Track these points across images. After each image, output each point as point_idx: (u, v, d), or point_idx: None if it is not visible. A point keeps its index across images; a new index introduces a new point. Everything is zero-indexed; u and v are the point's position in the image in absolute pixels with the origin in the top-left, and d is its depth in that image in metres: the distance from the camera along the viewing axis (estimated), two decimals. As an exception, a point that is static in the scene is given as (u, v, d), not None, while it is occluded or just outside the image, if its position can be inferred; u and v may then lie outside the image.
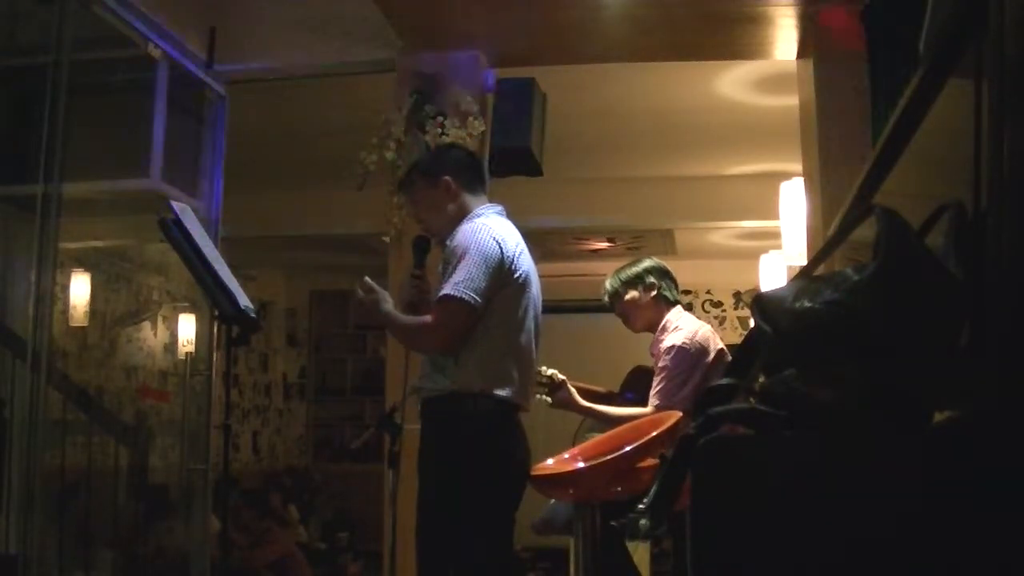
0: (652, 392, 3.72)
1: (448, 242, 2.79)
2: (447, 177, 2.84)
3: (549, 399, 3.77)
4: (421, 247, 2.94)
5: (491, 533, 2.68)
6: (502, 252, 2.69)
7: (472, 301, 2.62)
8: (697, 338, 3.77)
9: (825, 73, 4.07)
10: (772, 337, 1.31)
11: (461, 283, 2.62)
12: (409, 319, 2.79)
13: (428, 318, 2.71)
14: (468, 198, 2.86)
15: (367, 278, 2.80)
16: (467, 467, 2.62)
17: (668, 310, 3.93)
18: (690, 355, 3.72)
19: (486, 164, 4.12)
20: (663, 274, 3.97)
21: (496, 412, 2.67)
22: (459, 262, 2.65)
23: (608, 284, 4.00)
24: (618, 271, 4.00)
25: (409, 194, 3.00)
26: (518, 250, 2.76)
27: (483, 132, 4.33)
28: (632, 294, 3.94)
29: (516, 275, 2.73)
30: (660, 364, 3.76)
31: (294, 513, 8.02)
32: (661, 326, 3.88)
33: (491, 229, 2.72)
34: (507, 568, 2.80)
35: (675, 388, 3.67)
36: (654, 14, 4.19)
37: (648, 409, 3.69)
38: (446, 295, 2.65)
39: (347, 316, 10.11)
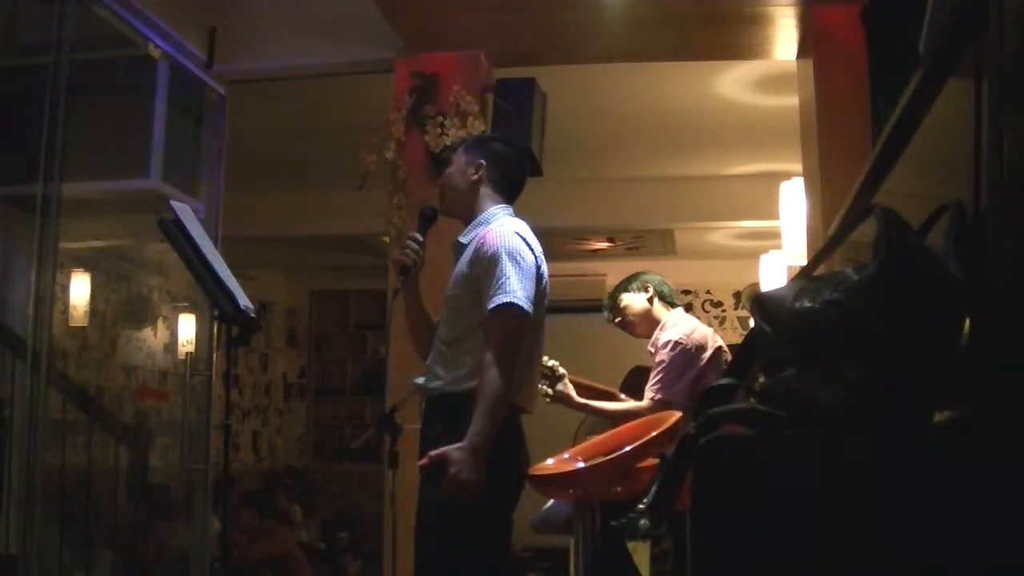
0: (648, 386, 3.74)
1: (461, 239, 2.76)
2: (482, 161, 2.84)
3: (550, 391, 3.77)
4: (427, 216, 2.89)
5: (490, 534, 2.67)
6: (535, 258, 2.67)
7: (529, 309, 2.57)
8: (694, 335, 3.80)
9: (825, 73, 4.07)
10: (772, 337, 1.31)
11: (517, 291, 2.55)
12: (484, 391, 2.53)
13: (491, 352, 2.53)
14: (488, 193, 2.81)
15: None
16: None
17: (666, 311, 3.95)
18: (686, 350, 3.74)
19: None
20: (660, 281, 4.01)
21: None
22: (498, 268, 2.58)
23: (604, 299, 4.06)
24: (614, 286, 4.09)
25: (447, 164, 2.96)
26: (542, 256, 2.75)
27: (483, 132, 4.33)
28: (626, 297, 3.96)
29: (542, 284, 2.72)
30: (657, 359, 3.78)
31: (298, 514, 8.03)
32: (660, 326, 3.89)
33: (522, 235, 2.69)
34: (507, 569, 2.79)
35: (671, 382, 3.69)
36: (654, 14, 4.19)
37: (644, 403, 3.70)
38: (507, 303, 2.55)
39: (347, 316, 10.11)
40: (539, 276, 2.67)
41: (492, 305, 2.56)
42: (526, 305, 2.56)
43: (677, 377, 3.69)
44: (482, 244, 2.66)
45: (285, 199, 7.08)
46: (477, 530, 2.60)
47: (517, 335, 2.57)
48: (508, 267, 2.57)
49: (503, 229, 2.67)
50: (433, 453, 2.56)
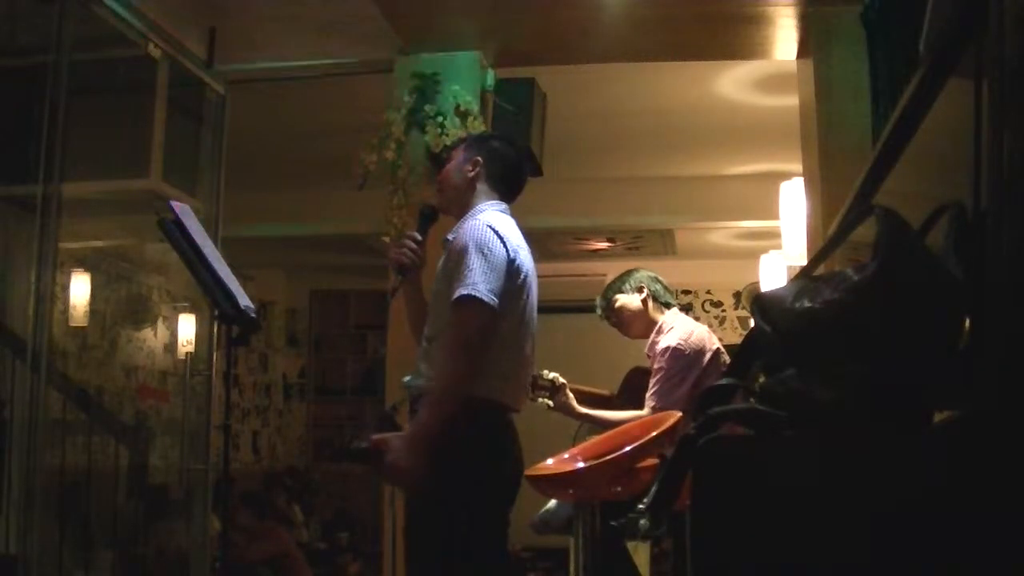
0: (648, 394, 3.73)
1: (448, 236, 2.75)
2: (479, 157, 2.81)
3: (551, 403, 3.76)
4: (427, 215, 2.87)
5: (485, 534, 2.65)
6: (507, 251, 2.64)
7: (491, 302, 2.51)
8: (692, 339, 3.77)
9: (825, 73, 4.07)
10: (772, 337, 1.31)
11: (479, 283, 2.51)
12: (442, 372, 2.53)
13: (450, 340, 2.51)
14: (484, 190, 2.78)
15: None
16: (457, 466, 2.57)
17: (662, 312, 3.93)
18: (685, 355, 3.72)
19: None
20: (653, 279, 3.99)
21: (485, 412, 2.61)
22: (464, 260, 2.55)
23: (598, 299, 4.05)
24: (607, 284, 4.07)
25: (447, 161, 2.94)
26: (521, 249, 2.71)
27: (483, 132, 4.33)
28: (621, 298, 3.96)
29: (520, 277, 2.69)
30: (656, 366, 3.76)
31: (299, 515, 8.03)
32: (656, 328, 3.88)
33: (494, 227, 2.66)
34: (504, 569, 2.78)
35: (670, 389, 3.68)
36: (654, 14, 4.19)
37: (645, 411, 3.69)
38: (465, 296, 2.50)
39: (347, 316, 10.11)
40: (514, 270, 2.62)
41: (452, 298, 2.53)
42: (487, 298, 2.50)
43: (676, 385, 3.68)
44: (456, 238, 2.65)
45: (285, 199, 7.08)
46: (471, 530, 2.59)
47: (476, 328, 2.51)
48: (474, 259, 2.53)
49: (476, 222, 2.64)
50: (375, 438, 2.55)
